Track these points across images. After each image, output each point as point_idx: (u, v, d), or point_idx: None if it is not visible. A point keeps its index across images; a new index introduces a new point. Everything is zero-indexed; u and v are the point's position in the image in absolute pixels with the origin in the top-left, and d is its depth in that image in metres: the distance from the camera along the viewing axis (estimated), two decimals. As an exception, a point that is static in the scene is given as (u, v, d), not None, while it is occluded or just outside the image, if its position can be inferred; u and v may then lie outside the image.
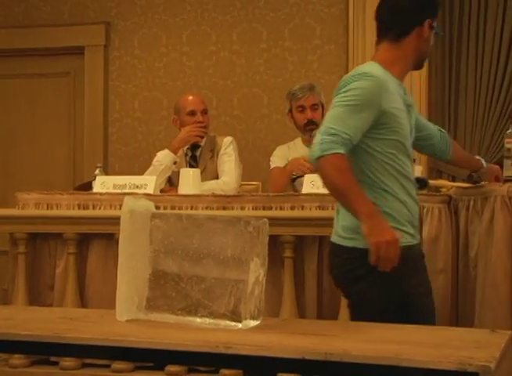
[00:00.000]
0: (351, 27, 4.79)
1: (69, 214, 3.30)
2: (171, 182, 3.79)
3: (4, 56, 5.45)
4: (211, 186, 3.62)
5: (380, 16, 2.39)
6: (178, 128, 3.95)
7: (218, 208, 3.17)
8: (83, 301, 3.32)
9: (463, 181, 3.51)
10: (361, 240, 2.20)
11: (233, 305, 1.76)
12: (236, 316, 1.76)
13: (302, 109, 3.82)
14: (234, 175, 3.76)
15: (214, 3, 5.11)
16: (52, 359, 3.22)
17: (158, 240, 1.86)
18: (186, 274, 1.81)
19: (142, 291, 1.86)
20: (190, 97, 3.97)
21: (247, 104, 5.05)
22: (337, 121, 2.16)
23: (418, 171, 3.14)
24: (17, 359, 3.22)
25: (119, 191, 3.34)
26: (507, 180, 2.67)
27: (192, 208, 3.19)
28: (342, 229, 2.29)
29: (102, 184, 3.42)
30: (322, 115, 3.86)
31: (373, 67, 2.28)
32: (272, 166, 3.87)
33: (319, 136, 2.15)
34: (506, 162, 2.71)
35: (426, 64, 4.80)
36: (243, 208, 3.14)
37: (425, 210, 2.86)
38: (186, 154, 3.91)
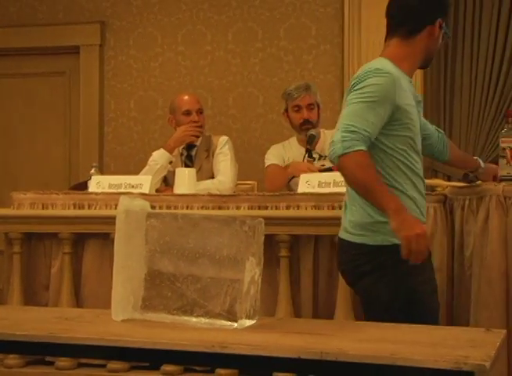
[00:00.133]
0: (346, 27, 4.79)
1: (64, 214, 3.29)
2: (167, 181, 3.79)
3: (-1, 56, 5.45)
4: (207, 185, 3.62)
5: (391, 12, 2.39)
6: (173, 128, 3.95)
7: (213, 208, 3.16)
8: (78, 301, 3.31)
9: (459, 180, 3.52)
10: (370, 237, 2.24)
11: (229, 304, 1.76)
12: (231, 316, 1.76)
13: (298, 108, 3.82)
14: (230, 175, 3.76)
15: (210, 3, 5.11)
16: (48, 359, 3.22)
17: (154, 239, 1.86)
18: (182, 274, 1.81)
19: (137, 291, 1.86)
20: (185, 97, 3.97)
21: (243, 104, 5.05)
22: (356, 118, 2.16)
23: None
24: (12, 359, 3.22)
25: (114, 191, 3.33)
26: (503, 179, 2.67)
27: (187, 208, 3.19)
28: (351, 226, 2.30)
29: (98, 184, 3.42)
30: (318, 115, 3.86)
31: (385, 63, 2.27)
32: (268, 163, 3.86)
33: (338, 134, 2.14)
34: (501, 161, 2.71)
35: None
36: (238, 208, 3.14)
37: (420, 209, 2.86)
38: (182, 154, 3.90)
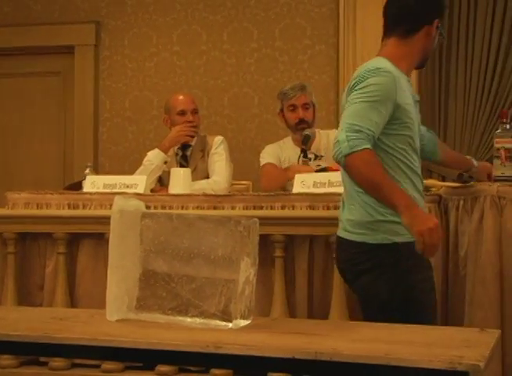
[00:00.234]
0: (341, 27, 4.80)
1: (59, 213, 3.28)
2: (162, 181, 3.79)
3: (-6, 55, 5.44)
4: (202, 185, 3.62)
5: (389, 12, 2.40)
6: (168, 128, 3.94)
7: (208, 208, 3.16)
8: (73, 301, 3.30)
9: (453, 181, 3.52)
10: (370, 235, 2.25)
11: (224, 304, 1.76)
12: (226, 316, 1.76)
13: (294, 108, 3.82)
14: (225, 175, 3.75)
15: (205, 3, 5.11)
16: (42, 359, 3.21)
17: (148, 239, 1.86)
18: (177, 274, 1.81)
19: (132, 291, 1.86)
20: (180, 97, 3.96)
21: (238, 104, 5.05)
22: (360, 117, 2.16)
23: None
24: (6, 359, 3.20)
25: (109, 191, 3.32)
26: (497, 180, 2.68)
27: (182, 208, 3.18)
28: (350, 225, 2.31)
29: (93, 184, 3.41)
30: (314, 115, 3.86)
31: (384, 63, 2.28)
32: (264, 162, 3.85)
33: (342, 133, 2.14)
34: (496, 162, 2.72)
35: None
36: (233, 208, 3.13)
37: (415, 209, 2.86)
38: (177, 154, 3.90)
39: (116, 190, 3.31)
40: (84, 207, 3.29)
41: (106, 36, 5.27)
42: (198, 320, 1.78)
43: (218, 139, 3.90)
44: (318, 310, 3.03)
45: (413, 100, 2.35)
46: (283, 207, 3.08)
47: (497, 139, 2.72)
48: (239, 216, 1.82)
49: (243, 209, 3.12)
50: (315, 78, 4.87)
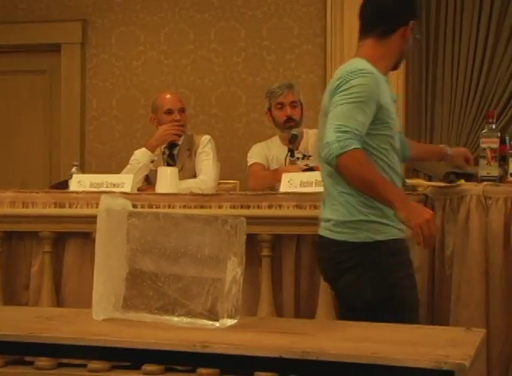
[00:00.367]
0: (328, 27, 4.81)
1: (45, 212, 3.26)
2: (149, 180, 3.78)
3: (-21, 53, 5.40)
4: (189, 184, 3.61)
5: (365, 13, 2.43)
6: (155, 127, 3.93)
7: (195, 207, 3.15)
8: (59, 301, 3.29)
9: (440, 180, 3.54)
10: (352, 234, 2.27)
11: (210, 304, 1.76)
12: (213, 315, 1.76)
13: (281, 106, 3.82)
14: (212, 174, 3.75)
15: (192, 1, 5.10)
16: (27, 358, 3.19)
17: (135, 238, 1.85)
18: (163, 273, 1.81)
19: (118, 290, 1.85)
20: (168, 96, 3.96)
21: (225, 103, 5.04)
22: (347, 118, 2.18)
23: None
24: (-8, 359, 3.19)
25: (96, 189, 3.31)
26: (483, 179, 2.69)
27: (169, 207, 3.17)
28: (332, 224, 2.33)
29: (79, 182, 3.40)
30: (301, 114, 3.86)
31: (364, 64, 2.30)
32: (251, 162, 3.85)
33: (332, 135, 2.16)
34: (482, 162, 2.74)
35: (403, 65, 4.85)
36: (220, 207, 3.13)
37: (402, 209, 2.87)
38: (164, 153, 3.89)
39: (102, 189, 3.30)
40: (70, 206, 3.28)
41: (93, 34, 5.25)
42: (185, 320, 1.78)
43: (205, 138, 3.90)
44: (305, 310, 3.03)
45: (391, 100, 2.38)
46: (270, 207, 3.08)
47: (483, 139, 2.74)
48: (226, 215, 1.82)
49: (230, 208, 3.12)
50: (303, 78, 4.87)
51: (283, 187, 3.19)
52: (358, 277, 2.28)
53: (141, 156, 3.77)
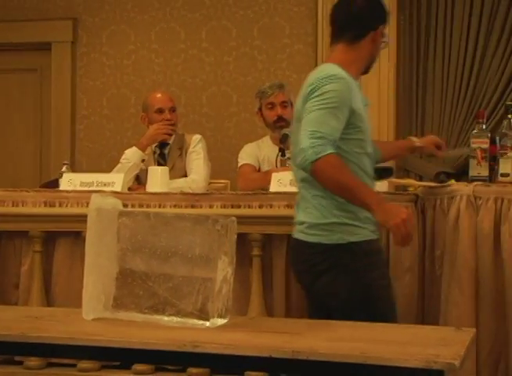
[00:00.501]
0: (319, 26, 4.81)
1: (35, 211, 3.25)
2: (139, 180, 3.77)
3: (-31, 51, 5.37)
4: (180, 184, 3.61)
5: (336, 18, 2.46)
6: (146, 126, 3.93)
7: (186, 206, 3.15)
8: (49, 300, 3.28)
9: (430, 180, 3.56)
10: (325, 236, 2.30)
11: (201, 303, 1.76)
12: (203, 315, 1.76)
13: (272, 106, 3.82)
14: (202, 173, 3.75)
15: (183, 1, 5.09)
16: (17, 358, 3.18)
17: (125, 238, 1.85)
18: (154, 272, 1.81)
19: (109, 290, 1.85)
20: (158, 95, 3.95)
21: (216, 102, 5.04)
22: (320, 124, 2.21)
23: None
24: (-19, 358, 3.18)
25: (86, 189, 3.30)
26: (473, 180, 2.70)
27: (160, 206, 3.17)
28: (305, 227, 2.36)
29: (69, 181, 3.39)
30: (292, 114, 3.86)
31: (336, 69, 2.33)
32: (242, 163, 3.85)
33: (306, 141, 2.18)
34: (472, 162, 2.74)
35: (393, 63, 4.88)
36: (211, 206, 3.13)
37: (392, 209, 2.87)
38: (155, 152, 3.88)
39: (93, 188, 3.29)
40: (60, 205, 3.26)
41: (84, 33, 5.23)
42: (175, 319, 1.78)
43: (196, 137, 3.90)
44: (295, 309, 3.03)
45: (363, 105, 2.40)
46: (260, 206, 3.08)
47: (473, 140, 2.75)
48: (216, 215, 1.82)
49: (221, 208, 3.11)
50: (294, 77, 4.87)
51: (273, 187, 3.19)
52: (334, 279, 2.31)
53: (131, 155, 3.76)
